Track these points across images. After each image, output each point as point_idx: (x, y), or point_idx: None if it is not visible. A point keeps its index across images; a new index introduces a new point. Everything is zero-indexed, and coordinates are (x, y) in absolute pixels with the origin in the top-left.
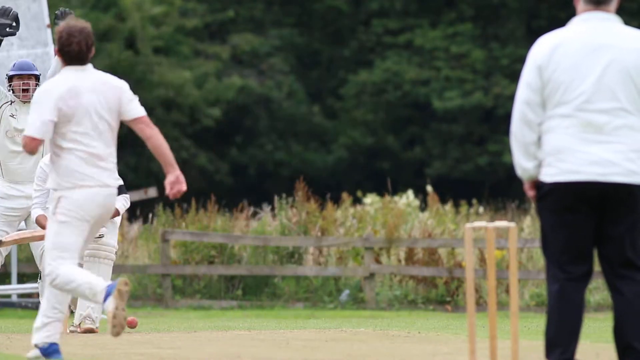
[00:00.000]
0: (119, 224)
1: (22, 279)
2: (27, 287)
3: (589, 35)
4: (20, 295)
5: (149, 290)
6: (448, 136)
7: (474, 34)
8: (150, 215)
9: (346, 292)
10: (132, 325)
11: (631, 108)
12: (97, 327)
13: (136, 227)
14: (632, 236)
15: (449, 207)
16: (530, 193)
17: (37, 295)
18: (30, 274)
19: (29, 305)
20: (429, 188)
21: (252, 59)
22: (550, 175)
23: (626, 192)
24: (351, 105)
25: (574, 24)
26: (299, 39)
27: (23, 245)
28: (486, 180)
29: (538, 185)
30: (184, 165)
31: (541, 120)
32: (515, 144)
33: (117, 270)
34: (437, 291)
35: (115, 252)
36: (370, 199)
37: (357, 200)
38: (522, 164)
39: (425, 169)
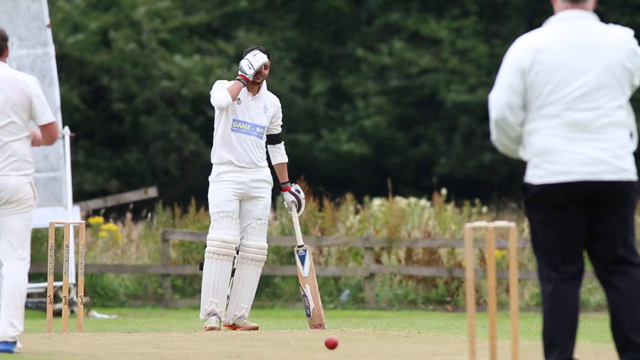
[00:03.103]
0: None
1: None
2: (27, 287)
3: (570, 34)
4: None
5: (149, 290)
6: (451, 134)
7: (476, 30)
8: (150, 215)
9: (346, 292)
10: (331, 345)
11: (616, 105)
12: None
13: (137, 227)
14: (622, 233)
15: (450, 207)
16: None
17: (38, 295)
18: (31, 274)
19: (29, 305)
20: (444, 191)
21: None
22: (538, 176)
23: (616, 190)
24: (355, 102)
25: (553, 23)
26: (300, 37)
27: None
28: (487, 180)
29: (526, 187)
30: (186, 162)
31: (522, 119)
32: (504, 141)
33: (117, 270)
34: (437, 291)
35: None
36: (379, 202)
37: (361, 202)
38: (519, 153)
39: (431, 167)
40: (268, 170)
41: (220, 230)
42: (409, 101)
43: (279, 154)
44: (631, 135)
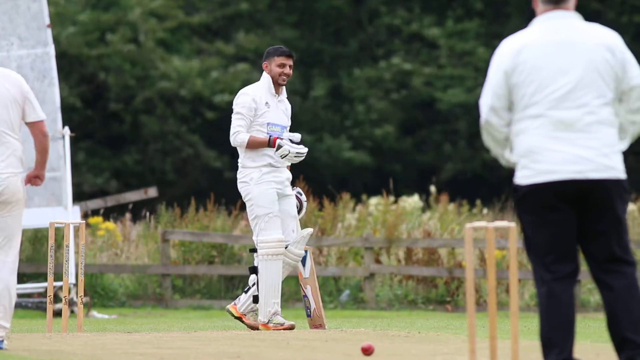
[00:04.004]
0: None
1: (22, 279)
2: (27, 287)
3: (552, 34)
4: (20, 295)
5: (149, 290)
6: (453, 137)
7: (478, 32)
8: (150, 215)
9: (346, 292)
10: (367, 351)
11: (601, 103)
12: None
13: (137, 227)
14: (617, 232)
15: (452, 207)
16: None
17: (38, 295)
18: (31, 274)
19: (29, 305)
20: (433, 189)
21: (257, 59)
22: (526, 177)
23: (604, 188)
24: (356, 102)
25: (536, 24)
26: (300, 37)
27: (23, 245)
28: (488, 179)
29: (515, 188)
30: (185, 163)
31: (508, 121)
32: (491, 143)
33: (117, 270)
34: (437, 291)
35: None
36: (375, 200)
37: (359, 200)
38: (505, 155)
39: (433, 171)
40: None
41: (273, 231)
42: (409, 106)
43: None
44: (623, 134)
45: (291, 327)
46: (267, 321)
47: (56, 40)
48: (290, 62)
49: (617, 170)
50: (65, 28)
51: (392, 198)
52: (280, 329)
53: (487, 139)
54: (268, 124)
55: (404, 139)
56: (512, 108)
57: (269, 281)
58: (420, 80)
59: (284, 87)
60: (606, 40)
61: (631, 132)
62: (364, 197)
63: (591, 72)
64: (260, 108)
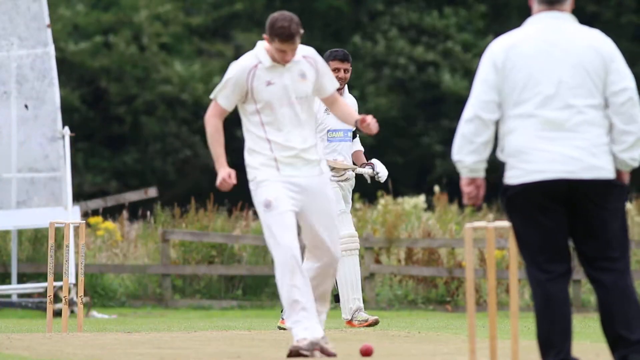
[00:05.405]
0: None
1: (22, 279)
2: (27, 287)
3: (544, 34)
4: (20, 295)
5: (149, 290)
6: (451, 134)
7: (479, 29)
8: (150, 215)
9: None
10: (367, 352)
11: (589, 104)
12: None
13: (136, 227)
14: (608, 231)
15: (455, 207)
16: (467, 189)
17: (38, 295)
18: (31, 273)
19: (29, 305)
20: (437, 188)
21: None
22: (515, 177)
23: (593, 188)
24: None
25: (529, 23)
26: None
27: (23, 245)
28: (488, 179)
29: (504, 188)
30: (185, 164)
31: (495, 119)
32: (462, 141)
33: (117, 270)
34: (437, 291)
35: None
36: (384, 200)
37: (371, 201)
38: (462, 158)
39: (432, 167)
40: None
41: (344, 227)
42: (409, 99)
43: (356, 145)
44: (618, 146)
45: (376, 322)
46: (350, 318)
47: (62, 50)
48: (346, 66)
49: (606, 170)
50: (70, 36)
51: (399, 199)
52: (365, 325)
53: (464, 138)
54: (328, 130)
55: (405, 128)
56: (501, 106)
57: (347, 277)
58: (421, 67)
59: (345, 88)
60: (597, 43)
61: (628, 143)
62: (379, 193)
63: (580, 74)
64: (320, 116)
